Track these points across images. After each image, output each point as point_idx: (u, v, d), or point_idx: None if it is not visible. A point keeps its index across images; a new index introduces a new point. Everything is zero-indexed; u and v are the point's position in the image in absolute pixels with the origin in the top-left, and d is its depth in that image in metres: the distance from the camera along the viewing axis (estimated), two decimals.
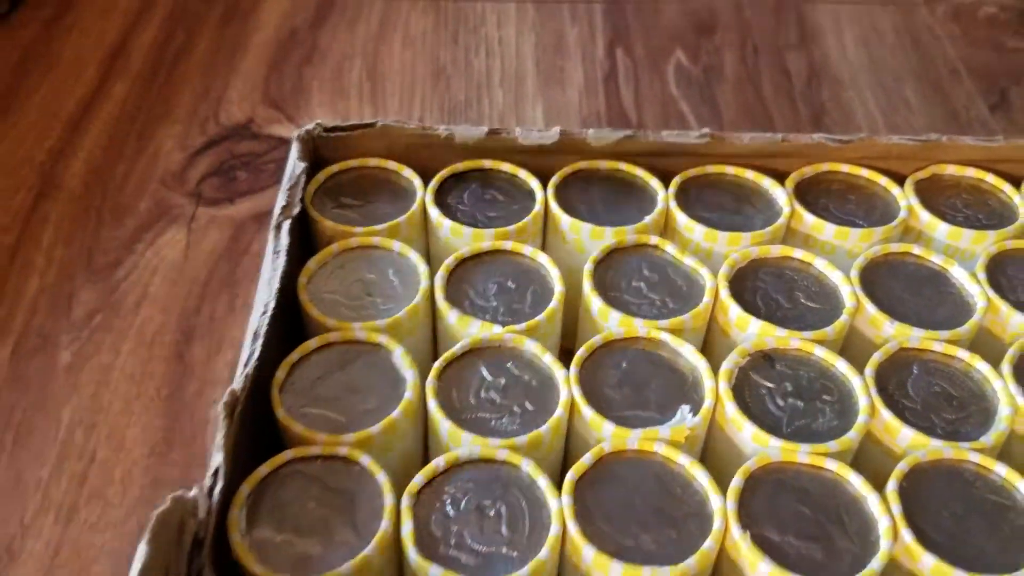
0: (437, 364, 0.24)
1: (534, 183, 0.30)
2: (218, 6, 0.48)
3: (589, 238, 0.28)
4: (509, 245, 0.28)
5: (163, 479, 0.29)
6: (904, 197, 0.29)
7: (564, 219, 0.28)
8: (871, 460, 0.24)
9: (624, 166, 0.30)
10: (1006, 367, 0.25)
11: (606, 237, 0.28)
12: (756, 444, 0.23)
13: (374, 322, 0.25)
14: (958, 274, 0.27)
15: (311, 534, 0.21)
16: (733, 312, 0.26)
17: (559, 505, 0.21)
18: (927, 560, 0.21)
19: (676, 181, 0.30)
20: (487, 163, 0.30)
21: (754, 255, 0.28)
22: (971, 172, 0.31)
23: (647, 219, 0.28)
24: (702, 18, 0.48)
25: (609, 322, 0.26)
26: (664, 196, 0.29)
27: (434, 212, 0.29)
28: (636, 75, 0.45)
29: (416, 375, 0.24)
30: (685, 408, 0.23)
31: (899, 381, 0.24)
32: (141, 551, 0.18)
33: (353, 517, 0.21)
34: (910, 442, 0.23)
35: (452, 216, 0.29)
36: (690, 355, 0.25)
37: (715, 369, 0.24)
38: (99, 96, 0.42)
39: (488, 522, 0.21)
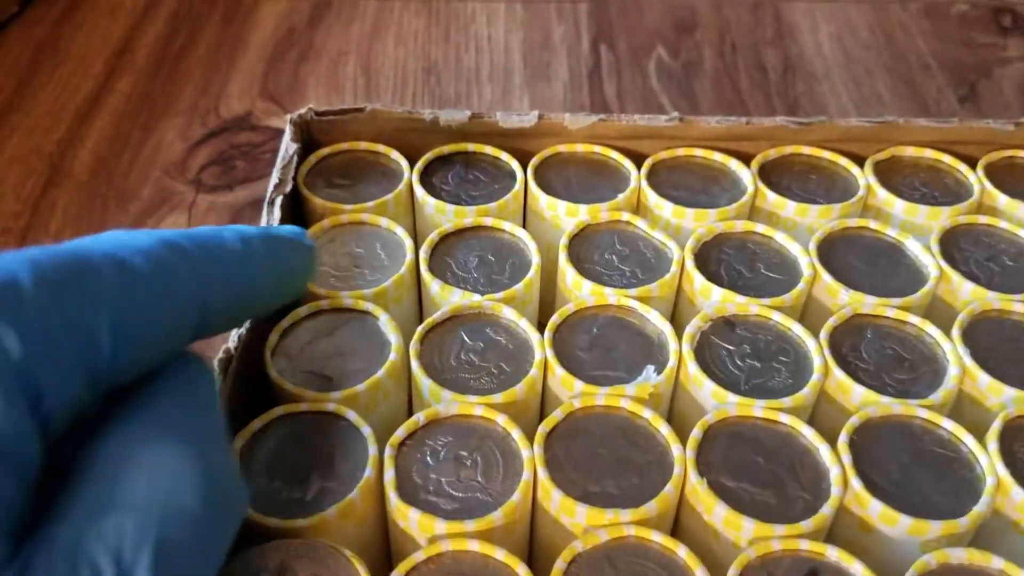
0: (420, 329, 0.26)
1: (515, 164, 0.31)
2: (220, 6, 0.50)
3: (565, 215, 0.30)
4: (490, 221, 0.29)
5: None
6: (864, 176, 0.31)
7: (542, 198, 0.30)
8: (826, 418, 0.26)
9: (599, 149, 0.32)
10: (956, 331, 0.26)
11: (581, 214, 0.30)
12: (715, 400, 0.24)
13: (361, 291, 0.27)
14: (913, 247, 0.29)
15: (300, 482, 0.22)
16: (698, 281, 0.28)
17: (531, 455, 0.23)
18: (875, 506, 0.22)
19: (648, 163, 0.31)
20: (471, 146, 0.32)
21: (719, 230, 0.29)
22: (929, 153, 0.32)
23: (620, 197, 0.30)
24: (682, 17, 0.50)
25: (582, 291, 0.28)
26: (636, 176, 0.31)
27: (419, 191, 0.30)
28: (619, 70, 0.47)
29: (400, 339, 0.26)
30: (650, 368, 0.25)
31: (853, 344, 0.26)
32: None
33: (339, 467, 0.23)
34: (862, 399, 0.25)
35: (436, 195, 0.30)
36: (656, 320, 0.26)
37: (681, 334, 0.26)
38: (105, 90, 0.44)
39: (465, 471, 0.23)
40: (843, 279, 0.28)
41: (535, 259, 0.28)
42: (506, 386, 0.25)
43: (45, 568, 0.14)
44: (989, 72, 0.47)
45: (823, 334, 0.26)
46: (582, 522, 0.22)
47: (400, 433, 0.23)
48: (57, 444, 0.15)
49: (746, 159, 0.32)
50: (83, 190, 0.39)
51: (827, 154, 0.32)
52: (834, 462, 0.23)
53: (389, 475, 0.23)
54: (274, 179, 0.28)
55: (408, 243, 0.29)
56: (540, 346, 0.26)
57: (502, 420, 0.24)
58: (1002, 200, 0.30)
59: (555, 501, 0.22)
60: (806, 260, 0.28)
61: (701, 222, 0.30)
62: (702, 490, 0.22)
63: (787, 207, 0.30)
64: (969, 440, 0.23)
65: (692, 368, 0.25)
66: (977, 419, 0.25)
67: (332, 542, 0.21)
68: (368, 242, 0.29)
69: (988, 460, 0.23)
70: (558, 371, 0.25)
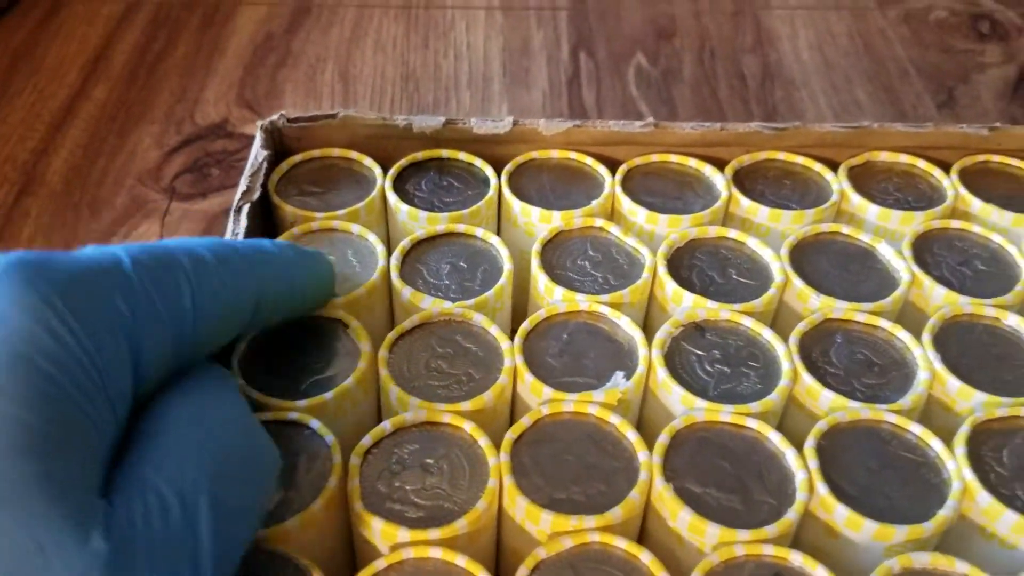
0: (389, 336, 0.26)
1: (489, 171, 0.31)
2: (198, 12, 0.50)
3: (539, 221, 0.30)
4: (463, 228, 0.29)
5: None
6: (837, 181, 0.31)
7: (516, 204, 0.30)
8: (795, 423, 0.25)
9: (575, 155, 0.32)
10: (926, 336, 0.26)
11: (554, 220, 0.30)
12: (684, 406, 0.24)
13: (333, 299, 0.27)
14: (885, 251, 0.29)
15: None
16: (669, 287, 0.27)
17: (497, 462, 0.23)
18: (840, 511, 0.22)
19: (622, 169, 0.31)
20: (445, 153, 0.32)
21: (692, 236, 0.29)
22: (904, 158, 0.32)
23: (593, 203, 0.30)
24: (662, 25, 0.50)
25: (553, 297, 0.27)
26: (611, 182, 0.31)
27: (392, 198, 0.30)
28: (598, 77, 0.47)
29: (370, 347, 0.26)
30: (619, 374, 0.25)
31: (822, 349, 0.26)
32: None
33: (302, 476, 0.23)
34: (830, 404, 0.25)
35: (410, 202, 0.30)
36: (627, 327, 0.26)
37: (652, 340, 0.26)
38: (80, 98, 0.44)
39: (431, 479, 0.23)
40: (814, 284, 0.28)
41: (507, 266, 0.28)
42: (475, 393, 0.25)
43: (122, 503, 0.16)
44: (967, 78, 0.47)
45: (793, 339, 0.26)
46: (547, 529, 0.21)
47: (366, 441, 0.23)
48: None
49: (721, 165, 0.32)
50: (56, 199, 0.39)
51: (801, 159, 0.32)
52: (800, 467, 0.23)
53: (353, 484, 0.22)
54: (242, 186, 0.28)
55: (380, 250, 0.29)
56: (509, 353, 0.25)
57: (469, 427, 0.24)
58: (976, 205, 0.31)
59: (520, 508, 0.22)
60: (778, 265, 0.28)
61: (674, 228, 0.30)
62: (667, 496, 0.22)
63: (760, 212, 0.30)
64: (937, 444, 0.23)
65: (661, 374, 0.25)
66: (946, 424, 0.25)
67: (292, 552, 0.21)
68: (340, 249, 0.29)
69: (955, 465, 0.23)
70: (527, 378, 0.25)
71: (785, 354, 0.25)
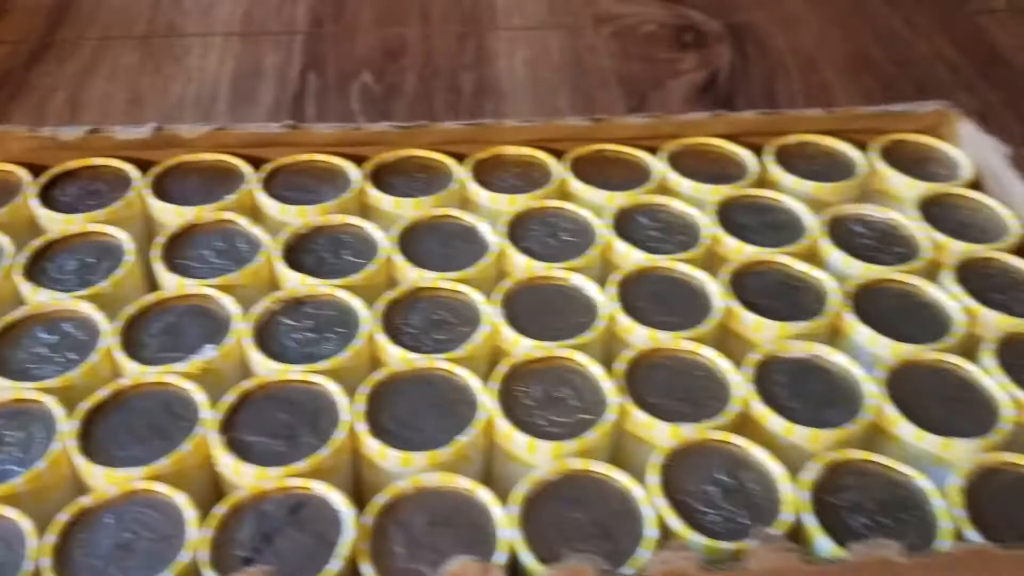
0: None
1: (136, 173, 0.34)
2: None
3: (175, 215, 0.32)
4: (95, 227, 0.32)
5: None
6: (464, 171, 0.35)
7: (154, 203, 0.33)
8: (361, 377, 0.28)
9: (225, 156, 0.35)
10: (496, 295, 0.30)
11: (187, 216, 0.32)
12: (264, 369, 0.27)
13: None
14: (484, 229, 0.33)
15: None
16: (279, 269, 0.30)
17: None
18: (373, 444, 0.25)
19: (267, 167, 0.34)
20: (96, 160, 0.34)
21: (316, 223, 0.32)
22: (526, 151, 0.36)
23: (229, 198, 0.33)
24: (393, 46, 0.54)
25: (171, 286, 0.30)
26: (258, 179, 0.34)
27: (34, 203, 0.32)
28: (323, 94, 0.50)
29: None
30: (208, 346, 0.27)
31: (405, 314, 0.29)
32: None
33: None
34: (401, 357, 0.28)
35: (54, 207, 0.32)
36: (230, 305, 0.29)
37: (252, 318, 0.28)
38: None
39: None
40: (418, 261, 0.31)
41: (130, 259, 0.30)
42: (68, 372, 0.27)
43: None
44: (662, 84, 0.52)
45: (378, 305, 0.29)
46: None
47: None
48: None
49: (360, 161, 0.35)
50: None
51: (436, 155, 0.36)
52: (348, 411, 0.26)
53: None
54: None
55: (10, 251, 0.30)
56: (108, 335, 0.28)
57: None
58: (576, 185, 0.35)
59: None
60: (387, 246, 0.31)
61: (303, 217, 0.33)
62: (220, 446, 0.24)
63: (383, 201, 0.33)
64: (475, 383, 0.27)
65: (247, 343, 0.28)
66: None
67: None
68: None
69: (491, 400, 0.26)
70: (120, 357, 0.27)
71: (365, 320, 0.29)
